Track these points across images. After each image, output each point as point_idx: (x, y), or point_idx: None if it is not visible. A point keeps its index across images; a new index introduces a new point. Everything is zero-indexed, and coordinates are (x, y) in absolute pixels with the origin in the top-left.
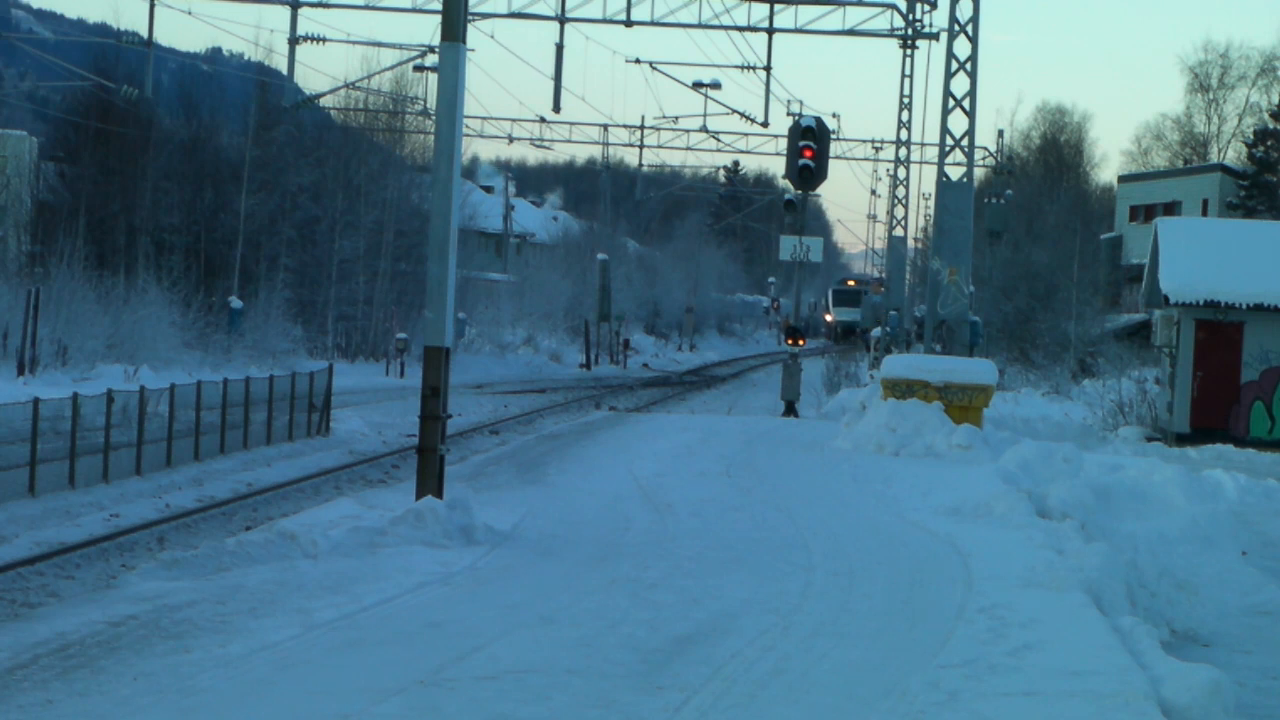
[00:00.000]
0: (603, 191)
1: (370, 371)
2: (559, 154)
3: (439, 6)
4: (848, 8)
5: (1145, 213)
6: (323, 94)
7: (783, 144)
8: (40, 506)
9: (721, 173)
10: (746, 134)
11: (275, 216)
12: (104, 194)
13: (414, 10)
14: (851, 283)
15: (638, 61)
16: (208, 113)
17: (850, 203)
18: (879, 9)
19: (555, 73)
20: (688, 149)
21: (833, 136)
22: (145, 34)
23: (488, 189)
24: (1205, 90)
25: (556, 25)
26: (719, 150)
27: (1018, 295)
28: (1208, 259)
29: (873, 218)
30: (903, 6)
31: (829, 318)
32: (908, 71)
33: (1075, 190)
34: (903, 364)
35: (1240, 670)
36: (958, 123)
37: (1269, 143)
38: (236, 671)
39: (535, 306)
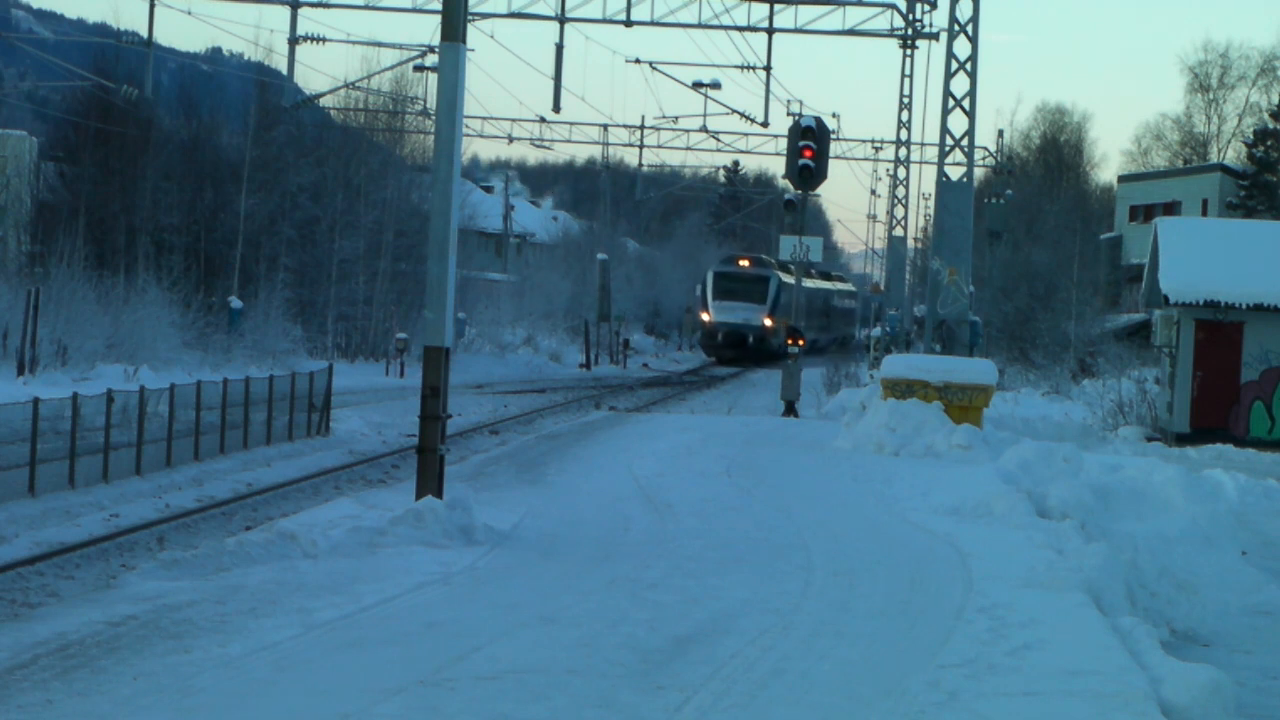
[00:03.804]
0: (603, 191)
1: (370, 371)
2: (559, 154)
3: (439, 6)
4: (848, 8)
5: (1145, 213)
6: (323, 94)
7: (783, 144)
8: (40, 506)
9: (721, 173)
10: (746, 134)
11: (275, 216)
12: (104, 194)
13: (414, 10)
14: (746, 262)
15: (638, 61)
16: (208, 113)
17: (850, 203)
18: (879, 9)
19: (555, 73)
20: (688, 149)
21: (833, 136)
22: (145, 34)
23: (488, 189)
24: (1205, 90)
25: (556, 25)
26: (719, 150)
27: (1018, 295)
28: (1208, 259)
29: (873, 218)
30: (903, 6)
31: (706, 318)
32: (908, 71)
33: (1075, 190)
34: (903, 364)
35: (1240, 670)
36: (958, 123)
37: (1269, 143)
38: (236, 671)
39: (535, 306)
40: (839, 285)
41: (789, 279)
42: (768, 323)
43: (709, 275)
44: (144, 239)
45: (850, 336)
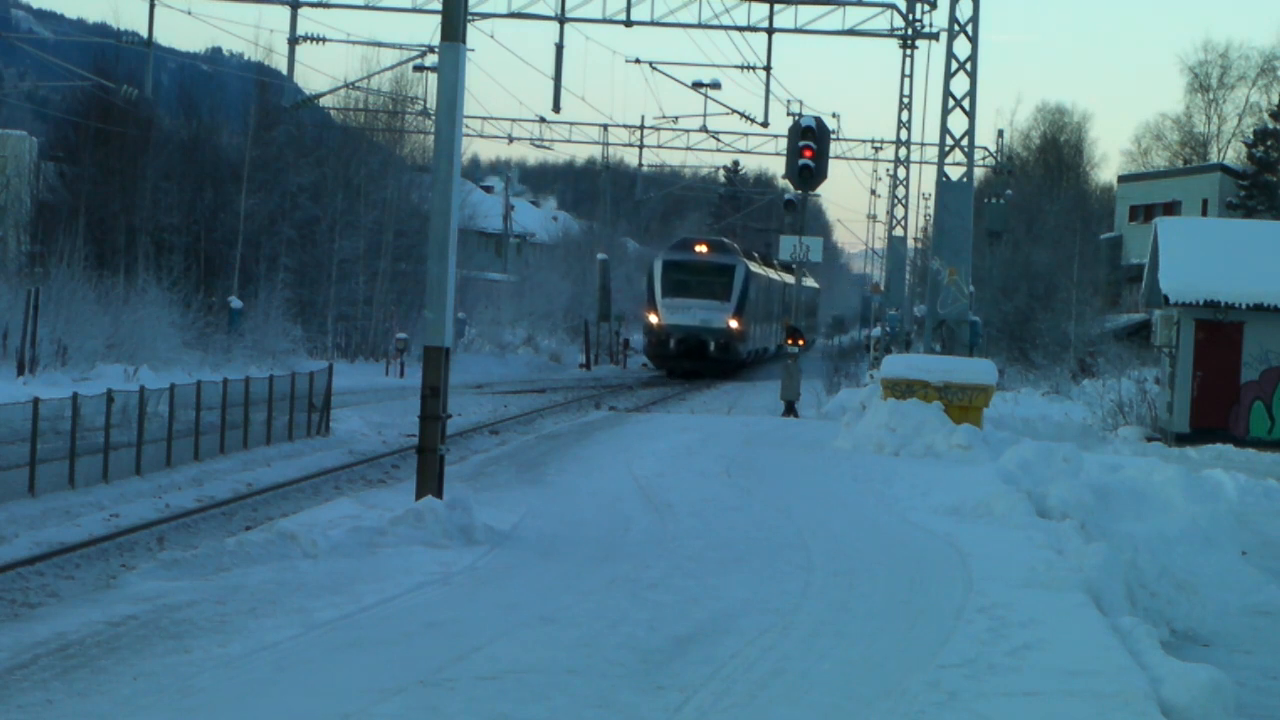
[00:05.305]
0: (603, 191)
1: (370, 371)
2: (559, 154)
3: (439, 6)
4: (848, 8)
5: (1145, 213)
6: (323, 94)
7: (783, 144)
8: (40, 506)
9: (721, 173)
10: (746, 134)
11: (275, 216)
12: (104, 194)
13: (414, 10)
14: (704, 248)
15: (638, 61)
16: (208, 113)
17: (850, 203)
18: (879, 9)
19: (555, 73)
20: (688, 149)
21: (833, 136)
22: (145, 34)
23: (488, 189)
24: (1205, 90)
25: (556, 25)
26: (719, 150)
27: (1018, 295)
28: (1208, 259)
29: (873, 218)
30: (903, 6)
31: (655, 319)
32: (908, 71)
33: (1075, 190)
34: (903, 364)
35: (1240, 670)
36: (958, 123)
37: (1269, 143)
38: (236, 671)
39: (535, 306)
40: (789, 278)
41: (759, 269)
42: (733, 325)
43: (656, 265)
44: (144, 239)
45: (811, 341)
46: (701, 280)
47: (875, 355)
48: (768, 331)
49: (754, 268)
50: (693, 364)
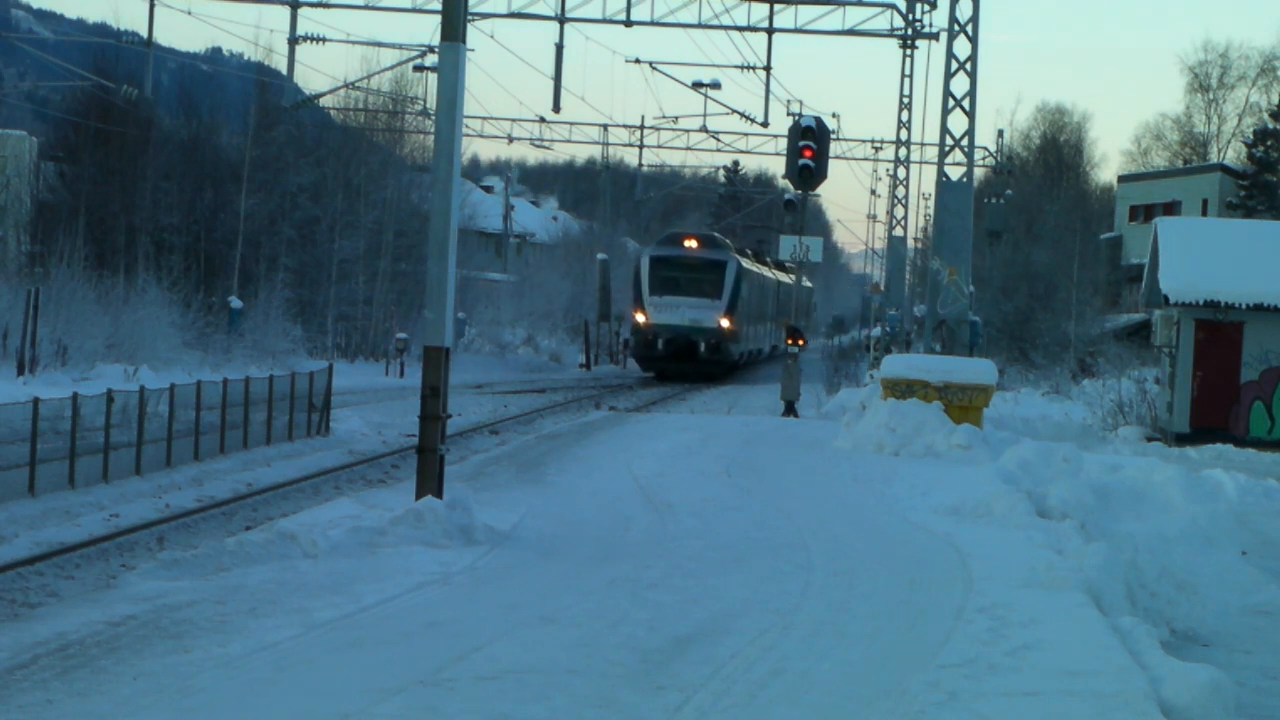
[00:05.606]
0: (603, 191)
1: (370, 371)
2: (559, 154)
3: (439, 6)
4: (848, 8)
5: (1145, 213)
6: (323, 94)
7: (783, 144)
8: (40, 506)
9: (721, 173)
10: (746, 134)
11: (275, 216)
12: (104, 194)
13: (414, 10)
14: (694, 242)
15: (638, 61)
16: (207, 113)
17: (850, 203)
18: (879, 9)
19: (555, 73)
20: (688, 149)
21: (833, 136)
22: (145, 34)
23: (488, 189)
24: (1205, 90)
25: (556, 25)
26: (719, 150)
27: (1018, 295)
28: (1208, 259)
29: (873, 218)
30: (903, 6)
31: (642, 319)
32: (908, 71)
33: (1075, 190)
34: (903, 364)
35: (1240, 670)
36: (958, 123)
37: (1269, 143)
38: (236, 671)
39: (535, 306)
40: (782, 277)
41: (753, 266)
42: (725, 324)
43: (643, 260)
44: (144, 239)
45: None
46: (691, 277)
47: (875, 355)
48: (761, 332)
49: (747, 264)
50: (681, 366)
